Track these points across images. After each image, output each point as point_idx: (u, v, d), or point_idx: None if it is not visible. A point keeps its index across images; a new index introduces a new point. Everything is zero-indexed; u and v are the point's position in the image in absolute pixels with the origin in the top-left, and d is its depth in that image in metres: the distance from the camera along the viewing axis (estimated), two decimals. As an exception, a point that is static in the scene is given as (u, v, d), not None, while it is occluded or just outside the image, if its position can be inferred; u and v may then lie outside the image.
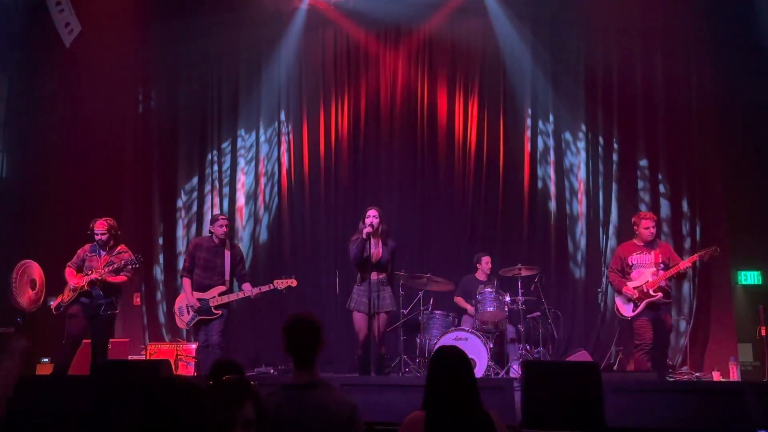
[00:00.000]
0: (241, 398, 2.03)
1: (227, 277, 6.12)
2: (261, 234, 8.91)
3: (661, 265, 6.12)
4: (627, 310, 6.18)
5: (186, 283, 6.22)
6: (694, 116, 8.16)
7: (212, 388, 2.08)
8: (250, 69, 9.12)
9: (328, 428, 2.54)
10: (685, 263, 6.12)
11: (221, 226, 6.21)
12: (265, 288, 6.21)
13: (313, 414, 2.55)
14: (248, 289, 6.13)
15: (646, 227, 6.19)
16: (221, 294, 6.07)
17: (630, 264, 6.21)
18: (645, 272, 6.14)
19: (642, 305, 6.06)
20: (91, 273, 5.97)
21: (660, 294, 6.05)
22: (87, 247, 6.24)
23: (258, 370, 8.08)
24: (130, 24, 8.59)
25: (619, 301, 6.27)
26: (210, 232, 6.37)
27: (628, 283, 6.14)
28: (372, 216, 5.89)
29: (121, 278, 6.13)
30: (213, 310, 6.03)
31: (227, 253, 6.18)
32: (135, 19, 8.67)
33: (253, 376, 7.51)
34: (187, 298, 6.15)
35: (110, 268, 5.99)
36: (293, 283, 6.31)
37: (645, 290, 6.05)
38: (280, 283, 6.24)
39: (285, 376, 6.75)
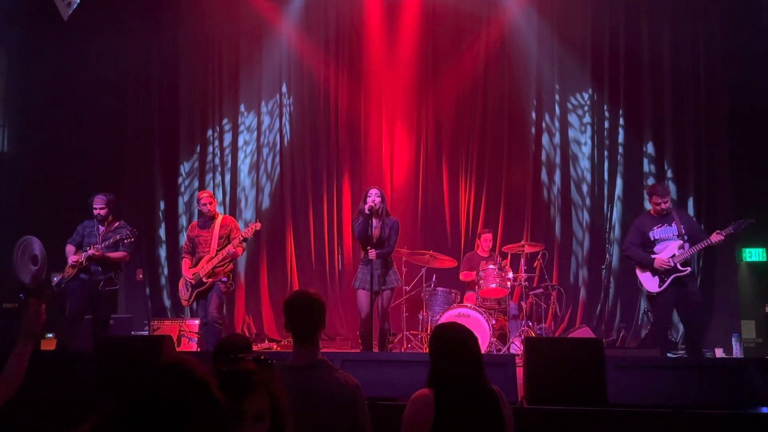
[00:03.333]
0: (245, 388, 1.73)
1: (213, 245, 6.13)
2: (263, 212, 8.86)
3: (685, 236, 5.77)
4: (652, 286, 5.80)
5: (184, 263, 6.31)
6: (702, 93, 8.09)
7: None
8: (251, 42, 8.99)
9: (330, 410, 2.48)
10: (717, 237, 5.60)
11: (204, 204, 6.28)
12: (235, 242, 6.18)
13: (314, 396, 2.48)
14: (224, 251, 6.11)
15: (656, 203, 5.87)
16: (208, 261, 6.10)
17: (653, 239, 5.85)
18: (671, 245, 5.77)
19: (669, 281, 5.71)
20: (90, 249, 5.96)
21: (688, 268, 5.72)
22: (86, 222, 6.23)
23: (261, 345, 8.10)
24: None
25: (643, 276, 5.88)
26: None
27: (653, 256, 5.77)
28: (374, 195, 5.84)
29: (121, 254, 6.13)
30: (204, 279, 6.05)
31: (216, 225, 6.22)
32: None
33: (255, 351, 7.54)
34: (184, 276, 6.25)
35: (108, 243, 5.98)
36: (258, 226, 6.31)
37: (672, 264, 5.69)
38: (247, 232, 6.22)
39: (287, 352, 6.77)
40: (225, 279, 6.26)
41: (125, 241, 6.08)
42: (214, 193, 7.35)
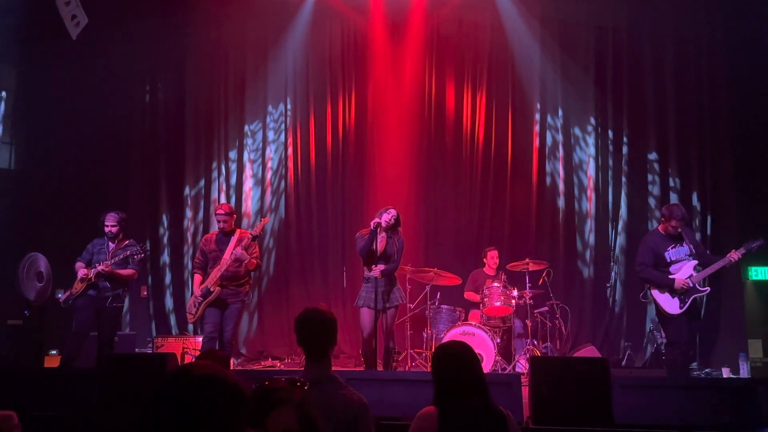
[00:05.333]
0: (269, 405, 1.72)
1: (226, 257, 5.90)
2: (268, 228, 8.88)
3: (696, 255, 5.66)
4: (673, 308, 5.58)
5: (196, 279, 6.09)
6: (705, 109, 8.10)
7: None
8: (256, 61, 9.08)
9: (333, 426, 2.49)
10: (736, 255, 5.51)
11: (218, 221, 6.11)
12: (245, 242, 5.90)
13: (320, 411, 2.48)
14: (231, 253, 5.86)
15: (674, 227, 5.64)
16: (217, 272, 5.90)
17: (669, 260, 5.68)
18: (686, 265, 5.62)
19: (689, 301, 5.54)
20: (99, 265, 5.97)
21: (708, 288, 5.61)
22: (96, 240, 6.24)
23: (264, 363, 8.07)
24: (138, 16, 8.57)
25: (661, 298, 5.64)
26: None
27: (672, 277, 5.61)
28: (391, 215, 5.82)
29: (130, 271, 6.12)
30: (211, 288, 5.86)
31: (233, 240, 6.05)
32: (142, 11, 8.65)
33: (259, 369, 7.51)
34: (194, 292, 6.04)
35: (117, 259, 5.99)
36: (266, 220, 6.32)
37: (691, 285, 5.55)
38: (255, 230, 5.97)
39: (290, 370, 6.74)
40: (246, 299, 6.20)
41: (135, 257, 6.09)
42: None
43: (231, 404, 1.38)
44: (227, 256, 5.90)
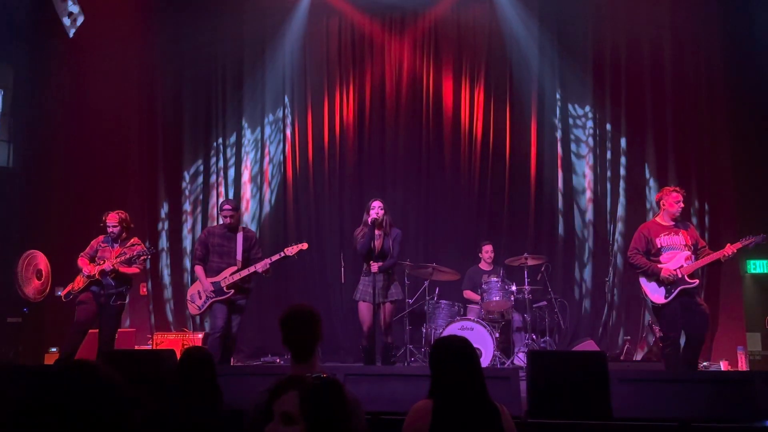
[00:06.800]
0: (276, 390, 1.79)
1: (239, 257, 6.04)
2: (266, 223, 8.89)
3: (691, 248, 5.58)
4: (658, 297, 5.53)
5: (199, 270, 6.11)
6: (704, 106, 8.08)
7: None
8: (254, 56, 9.07)
9: None
10: (731, 249, 5.42)
11: (225, 216, 6.14)
12: (275, 257, 6.01)
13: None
14: (259, 265, 6.00)
15: (676, 200, 5.56)
16: (233, 274, 5.99)
17: (659, 246, 5.59)
18: (678, 255, 5.52)
19: (675, 292, 5.45)
20: (104, 263, 5.99)
21: (696, 281, 5.50)
22: (100, 238, 6.28)
23: (263, 359, 8.09)
24: (135, 11, 8.55)
25: (648, 286, 5.61)
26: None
27: (661, 266, 5.54)
28: (377, 207, 5.84)
29: (134, 270, 6.18)
30: (225, 289, 5.95)
31: (239, 237, 6.13)
32: (140, 7, 8.63)
33: (258, 365, 7.52)
34: (202, 283, 6.04)
35: (122, 258, 6.02)
36: (304, 246, 6.02)
37: (680, 276, 5.45)
38: (291, 249, 5.98)
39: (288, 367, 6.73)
40: (250, 295, 6.28)
41: (142, 257, 6.15)
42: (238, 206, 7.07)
43: (101, 397, 1.51)
44: (240, 256, 6.03)
